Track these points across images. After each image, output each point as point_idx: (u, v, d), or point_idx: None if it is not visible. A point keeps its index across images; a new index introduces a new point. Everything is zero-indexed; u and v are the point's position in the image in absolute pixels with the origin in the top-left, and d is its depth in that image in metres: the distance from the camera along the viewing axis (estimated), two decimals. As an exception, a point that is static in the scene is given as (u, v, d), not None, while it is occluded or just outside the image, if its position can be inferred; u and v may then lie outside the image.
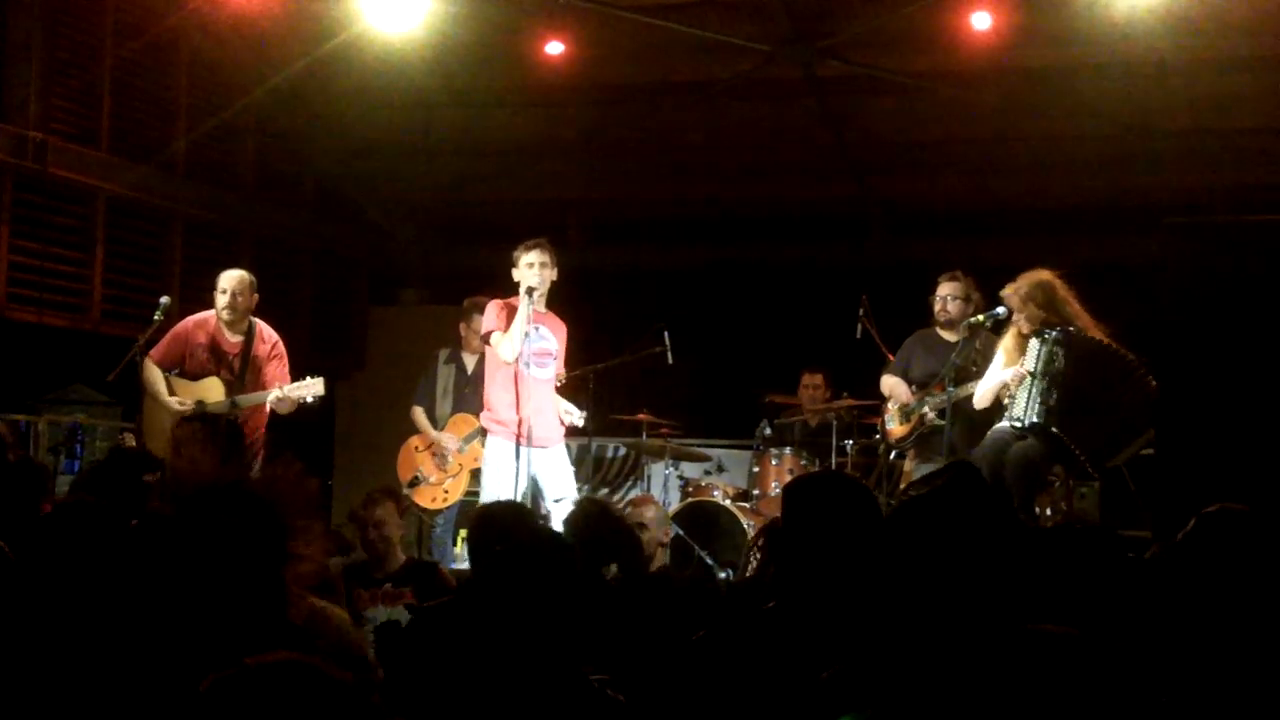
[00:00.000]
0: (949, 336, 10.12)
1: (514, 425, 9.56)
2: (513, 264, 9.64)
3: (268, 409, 9.78)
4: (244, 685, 2.33)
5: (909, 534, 3.66)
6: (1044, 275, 9.32)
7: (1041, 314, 9.22)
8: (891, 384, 10.41)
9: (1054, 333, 9.15)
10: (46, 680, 3.62)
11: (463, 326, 11.54)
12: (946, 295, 10.15)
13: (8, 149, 11.37)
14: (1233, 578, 3.87)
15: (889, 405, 10.44)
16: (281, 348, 9.92)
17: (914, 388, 10.20)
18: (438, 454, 11.27)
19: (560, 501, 9.62)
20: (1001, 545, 3.60)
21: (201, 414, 9.40)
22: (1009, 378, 9.27)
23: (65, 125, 11.92)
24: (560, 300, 9.93)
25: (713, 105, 13.64)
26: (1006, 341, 9.49)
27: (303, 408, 9.72)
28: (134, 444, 10.16)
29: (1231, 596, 3.83)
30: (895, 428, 10.37)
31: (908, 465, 10.87)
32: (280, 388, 9.58)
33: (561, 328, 9.99)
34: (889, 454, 10.93)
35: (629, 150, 14.52)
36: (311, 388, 9.63)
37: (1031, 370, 9.15)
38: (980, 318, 9.70)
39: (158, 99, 12.99)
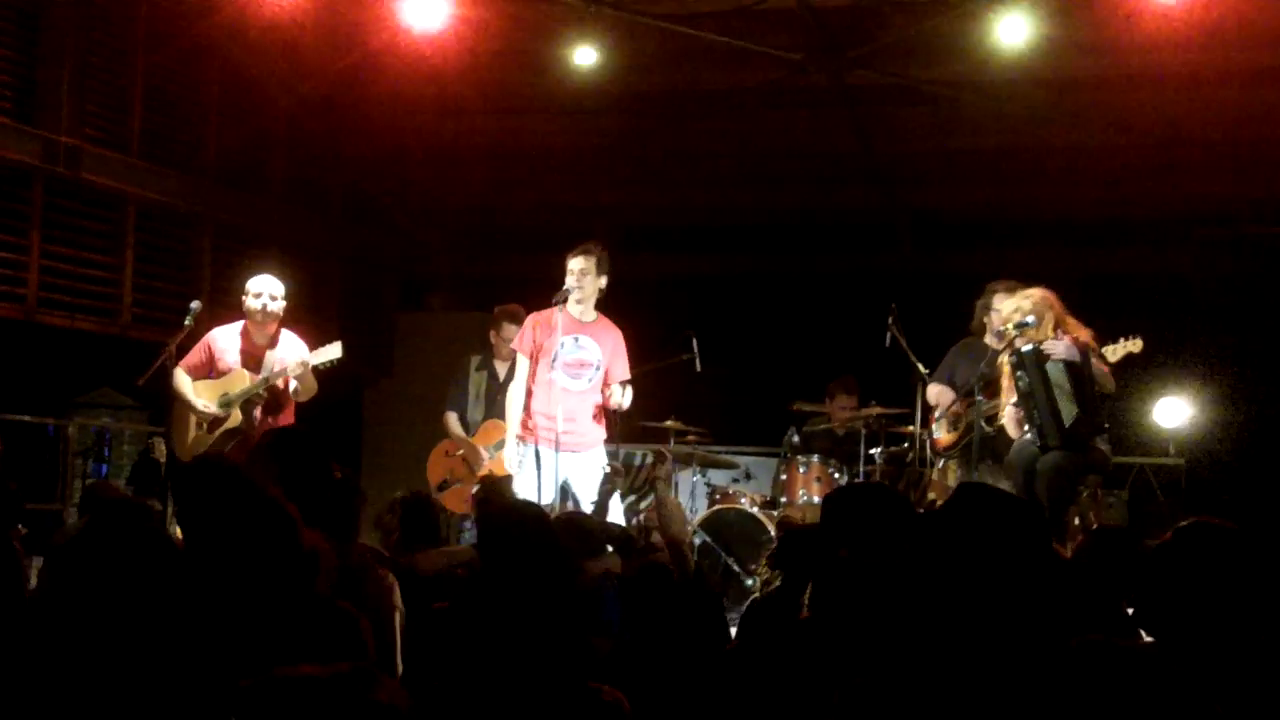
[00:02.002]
0: (994, 344, 10.12)
1: (537, 431, 9.62)
2: None
3: (291, 410, 9.83)
4: (268, 697, 2.32)
5: (918, 552, 3.65)
6: (1046, 292, 9.36)
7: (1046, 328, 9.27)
8: (937, 393, 10.41)
9: (1013, 357, 9.21)
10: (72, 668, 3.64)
11: (493, 334, 11.54)
12: (1003, 308, 10.11)
13: (39, 154, 11.41)
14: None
15: (935, 414, 10.45)
16: (306, 350, 9.93)
17: (981, 394, 10.18)
18: (469, 459, 11.29)
19: (592, 507, 9.64)
20: (1017, 563, 3.56)
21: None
22: (1013, 411, 9.36)
23: (97, 131, 11.97)
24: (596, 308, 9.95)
25: (743, 114, 13.64)
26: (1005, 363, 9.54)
27: (324, 389, 9.75)
28: (163, 449, 10.19)
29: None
30: (943, 436, 10.42)
31: (934, 474, 10.88)
32: (298, 360, 9.61)
33: (611, 337, 9.93)
34: (920, 463, 10.94)
35: (658, 158, 14.53)
36: (329, 352, 9.67)
37: (1015, 400, 9.25)
38: (1009, 326, 9.74)
39: (189, 105, 13.03)
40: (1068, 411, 9.15)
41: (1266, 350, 11.21)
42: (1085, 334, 9.34)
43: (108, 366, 12.04)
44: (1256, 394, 10.89)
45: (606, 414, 10.02)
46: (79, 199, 11.92)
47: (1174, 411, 10.91)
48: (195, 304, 9.82)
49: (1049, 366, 9.12)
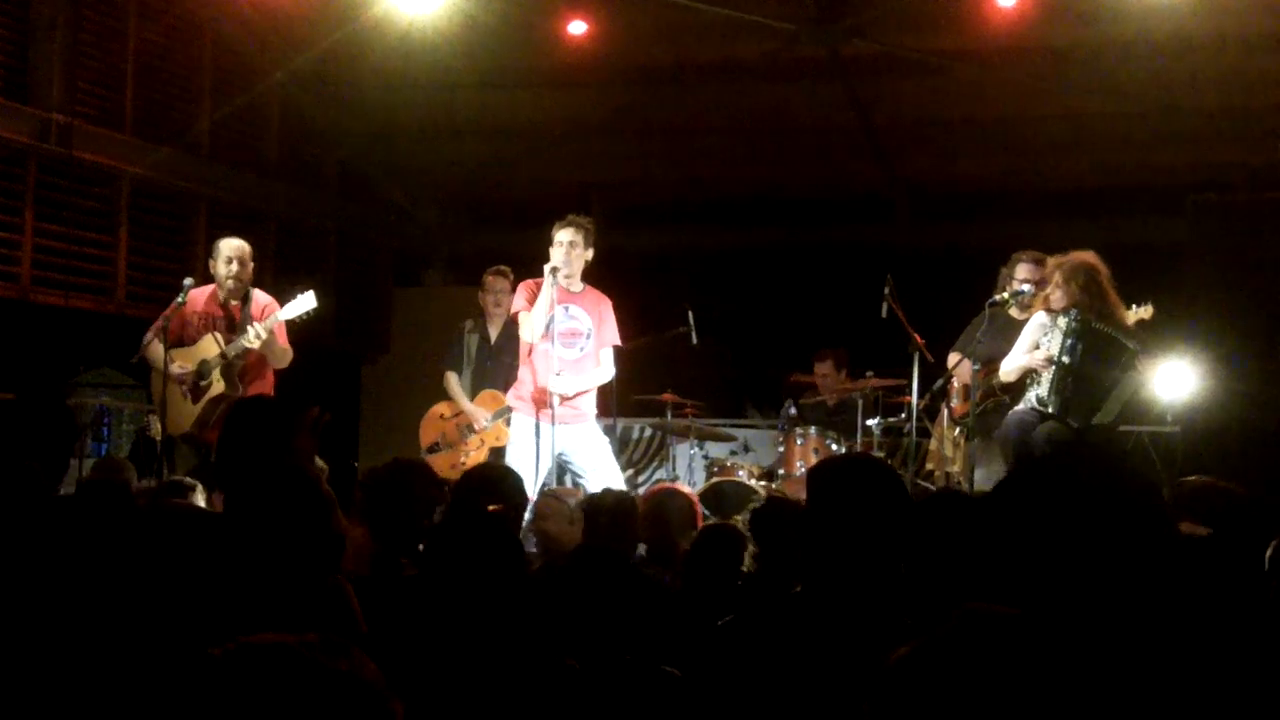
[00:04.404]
0: (1018, 315, 10.11)
1: (534, 403, 9.65)
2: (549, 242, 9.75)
3: (270, 375, 9.83)
4: (229, 666, 2.30)
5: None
6: (1090, 259, 9.36)
7: (1079, 295, 9.25)
8: (955, 361, 10.41)
9: (1075, 323, 9.18)
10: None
11: (482, 296, 11.56)
12: (1026, 278, 10.11)
13: (32, 132, 11.39)
14: None
15: (954, 383, 10.44)
16: (276, 306, 9.90)
17: (977, 364, 10.17)
18: (462, 425, 11.28)
19: (596, 472, 9.68)
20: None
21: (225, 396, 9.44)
22: (1037, 361, 9.33)
23: (89, 108, 11.94)
24: (586, 281, 9.94)
25: (737, 86, 13.61)
26: (1034, 318, 9.54)
27: (322, 366, 9.71)
28: (158, 427, 10.17)
29: None
30: (959, 404, 10.42)
31: (932, 444, 10.88)
32: (257, 325, 9.58)
33: (600, 306, 9.99)
34: (917, 433, 10.94)
35: (653, 131, 14.49)
36: (302, 303, 9.66)
37: (1055, 358, 9.21)
38: (1005, 296, 9.76)
39: (181, 81, 13.00)
40: (1107, 412, 9.23)
41: (1262, 318, 11.18)
42: (1128, 315, 9.39)
43: (104, 345, 12.03)
44: (1252, 362, 10.84)
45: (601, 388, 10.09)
46: (72, 177, 11.88)
47: (1172, 380, 10.88)
48: (188, 280, 9.79)
49: (1130, 376, 9.20)
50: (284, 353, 9.78)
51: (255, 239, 12.58)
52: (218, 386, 9.55)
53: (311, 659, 2.27)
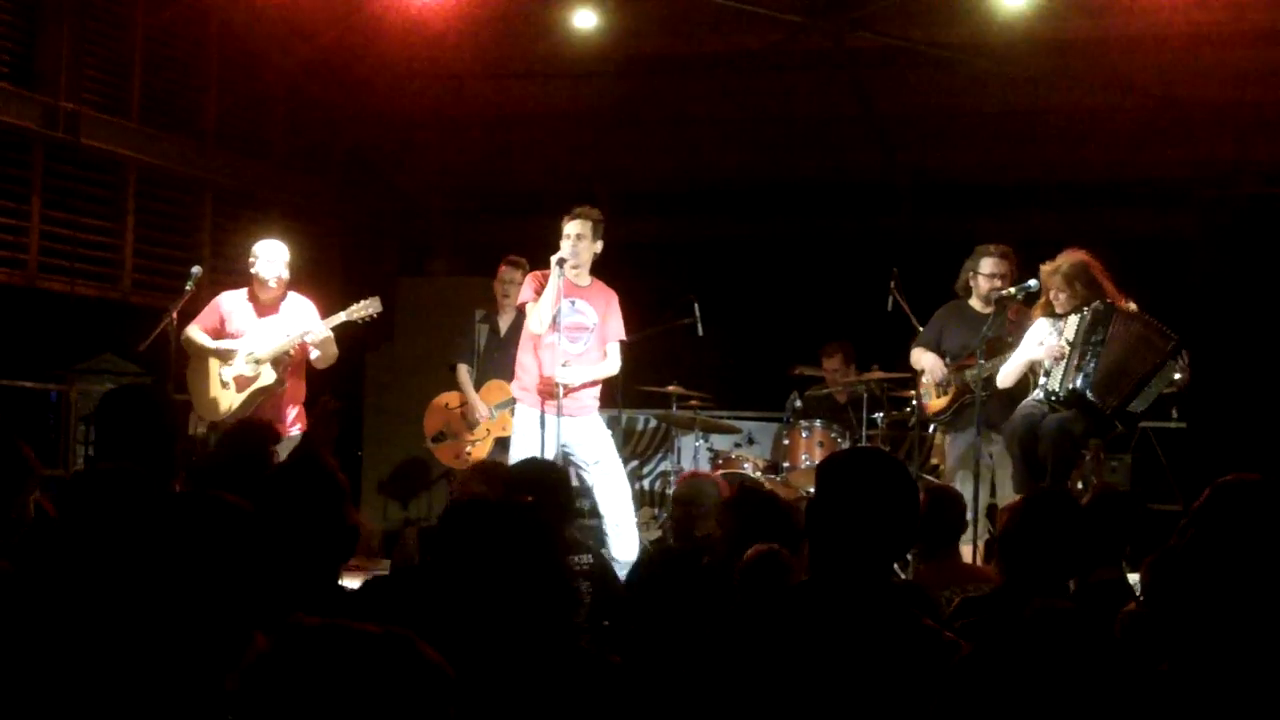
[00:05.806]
0: (981, 308, 10.06)
1: (540, 394, 9.64)
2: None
3: (304, 371, 9.86)
4: (292, 645, 2.32)
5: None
6: (1084, 255, 9.33)
7: (1085, 293, 9.24)
8: (924, 358, 10.34)
9: (1101, 307, 9.16)
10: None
11: (496, 284, 11.56)
12: (993, 273, 10.07)
13: (39, 119, 11.39)
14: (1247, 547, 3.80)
15: (923, 379, 10.39)
16: (313, 308, 9.95)
17: (947, 360, 10.15)
18: (468, 415, 11.31)
19: (599, 464, 9.68)
20: None
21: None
22: (1041, 355, 9.30)
23: (96, 95, 11.94)
24: (592, 272, 9.93)
25: (743, 77, 13.60)
26: (1035, 326, 9.49)
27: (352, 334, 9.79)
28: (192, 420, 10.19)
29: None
30: (931, 401, 10.34)
31: (936, 438, 10.86)
32: (321, 322, 9.70)
33: (606, 301, 9.97)
34: (921, 426, 10.92)
35: (659, 122, 14.48)
36: (368, 306, 9.76)
37: (1070, 340, 9.17)
38: (1012, 290, 9.72)
39: (188, 69, 13.00)
40: (1144, 398, 9.21)
41: (1269, 312, 11.19)
42: (1128, 301, 9.38)
43: (109, 332, 12.03)
44: (1258, 357, 10.86)
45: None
46: (79, 164, 11.90)
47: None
48: (196, 269, 9.86)
49: (1165, 367, 9.17)
50: (333, 354, 9.80)
51: (260, 227, 12.62)
52: (267, 377, 9.59)
53: (386, 648, 2.30)
